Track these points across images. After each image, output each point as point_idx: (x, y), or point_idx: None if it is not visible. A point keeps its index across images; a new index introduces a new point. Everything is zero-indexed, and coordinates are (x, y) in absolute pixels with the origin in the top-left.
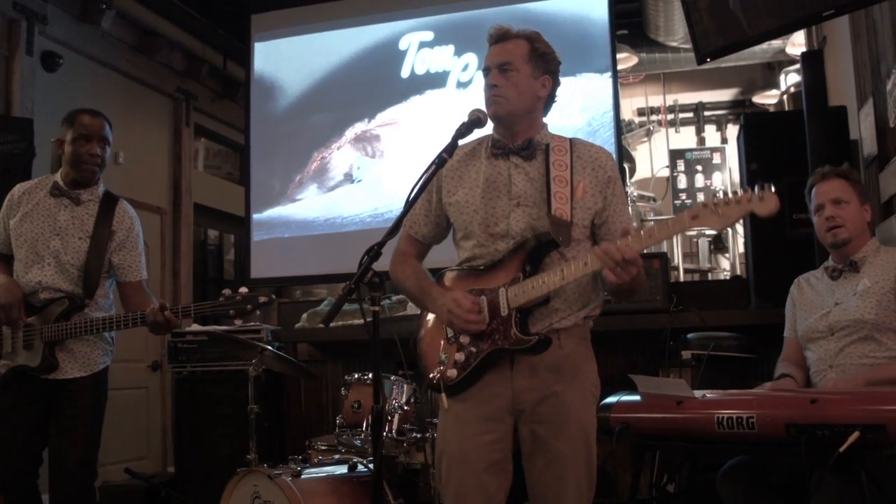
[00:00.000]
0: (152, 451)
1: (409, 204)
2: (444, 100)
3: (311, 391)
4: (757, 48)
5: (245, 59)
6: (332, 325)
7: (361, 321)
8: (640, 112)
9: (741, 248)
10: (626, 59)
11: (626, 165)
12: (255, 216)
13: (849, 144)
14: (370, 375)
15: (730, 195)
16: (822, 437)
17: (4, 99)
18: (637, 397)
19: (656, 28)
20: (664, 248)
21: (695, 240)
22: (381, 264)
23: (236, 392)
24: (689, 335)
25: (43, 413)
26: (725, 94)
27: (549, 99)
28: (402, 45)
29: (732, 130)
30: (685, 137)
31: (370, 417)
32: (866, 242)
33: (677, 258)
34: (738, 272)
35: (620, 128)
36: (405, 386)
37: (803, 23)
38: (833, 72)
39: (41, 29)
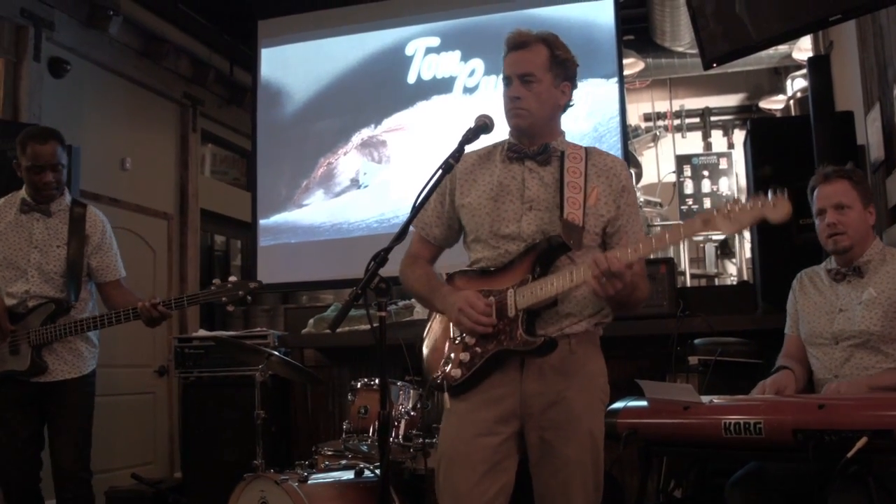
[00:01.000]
0: (159, 456)
1: (416, 209)
2: (451, 105)
3: (317, 397)
4: (763, 53)
5: (252, 64)
6: (338, 330)
7: (368, 326)
8: (647, 117)
9: (748, 254)
10: (633, 65)
11: (632, 171)
12: (262, 222)
13: (856, 149)
14: (377, 381)
15: (741, 201)
16: (830, 443)
17: (12, 104)
18: (644, 403)
19: (663, 33)
20: (671, 252)
21: (701, 245)
22: (388, 270)
23: (243, 397)
24: (696, 340)
25: (38, 416)
26: (732, 100)
27: (566, 104)
28: (408, 51)
29: (739, 136)
30: (692, 143)
31: (377, 423)
32: (870, 245)
33: (684, 263)
34: (745, 277)
35: (627, 133)
36: (412, 391)
37: (810, 28)
38: (840, 77)
39: (48, 35)
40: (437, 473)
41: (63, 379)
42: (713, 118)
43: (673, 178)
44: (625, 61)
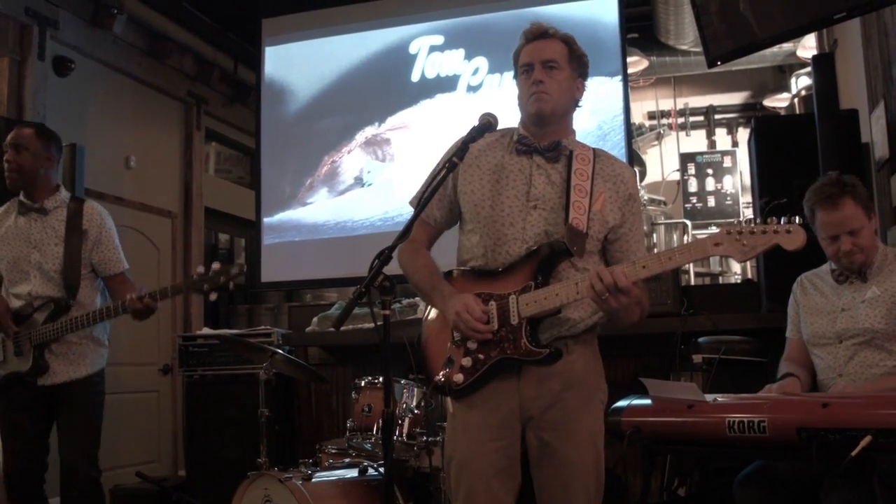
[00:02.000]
0: (163, 454)
1: (420, 208)
2: (455, 103)
3: (321, 395)
4: (768, 51)
5: (256, 63)
6: (342, 328)
7: (372, 325)
8: (651, 115)
9: None
10: (637, 63)
11: (636, 169)
12: (266, 220)
13: (860, 148)
14: (381, 379)
15: (754, 225)
16: (834, 442)
17: (16, 103)
18: (648, 401)
19: (667, 31)
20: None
21: None
22: (392, 268)
23: (247, 395)
24: (700, 339)
25: (45, 419)
26: (736, 98)
27: (578, 102)
28: (412, 49)
29: (743, 134)
30: (696, 141)
31: (381, 421)
32: (876, 251)
33: None
34: (750, 276)
35: (631, 131)
36: (416, 390)
37: (814, 26)
38: (844, 75)
39: (53, 34)
40: (448, 478)
41: (68, 380)
42: (717, 116)
43: (677, 176)
44: (629, 59)
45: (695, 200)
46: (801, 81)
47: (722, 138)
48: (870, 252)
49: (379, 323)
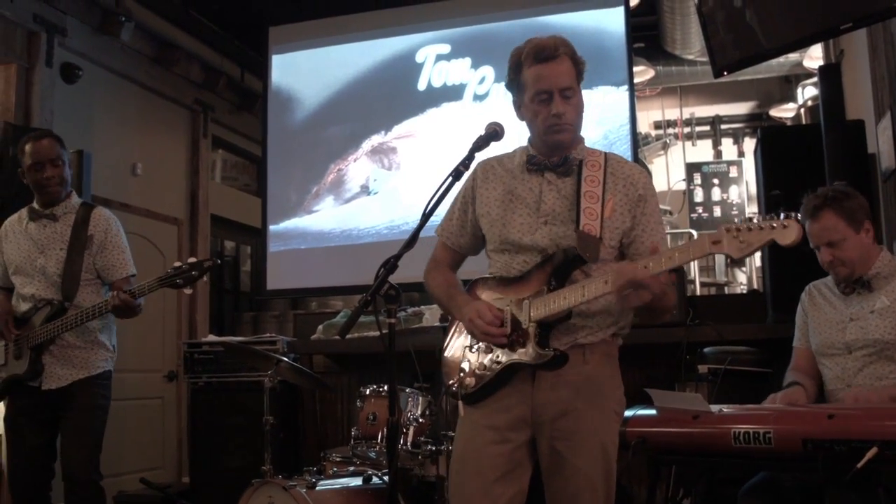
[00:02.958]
0: (167, 461)
1: (426, 216)
2: (461, 112)
3: (326, 403)
4: (774, 61)
5: (262, 71)
6: (347, 336)
7: (377, 333)
8: (657, 125)
9: (758, 262)
10: (643, 73)
11: None
12: (272, 227)
13: (866, 158)
14: (386, 387)
15: (752, 221)
16: (840, 453)
17: (24, 110)
18: (653, 411)
19: (673, 41)
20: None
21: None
22: (398, 277)
23: (252, 403)
24: (706, 349)
25: (51, 425)
26: (742, 108)
27: None
28: (418, 58)
29: (749, 144)
30: (702, 151)
31: (385, 429)
32: (875, 259)
33: (694, 272)
34: (755, 286)
35: (637, 141)
36: (420, 398)
37: (820, 36)
38: (850, 85)
39: (61, 41)
40: (449, 478)
41: (68, 383)
42: (723, 126)
43: (683, 186)
44: (635, 69)
45: (701, 210)
46: (808, 92)
47: (728, 148)
48: (860, 263)
49: (384, 331)
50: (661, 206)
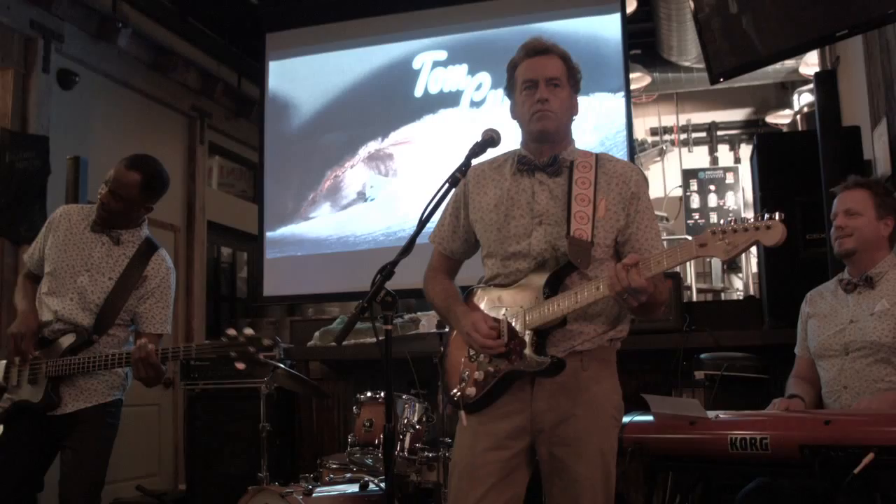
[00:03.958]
0: (164, 467)
1: (422, 223)
2: (458, 119)
3: (322, 409)
4: (770, 68)
5: (259, 77)
6: (344, 343)
7: (374, 340)
8: (653, 132)
9: (755, 268)
10: (640, 79)
11: None
12: (269, 234)
13: (862, 164)
14: (382, 394)
15: (736, 223)
16: (837, 459)
17: (20, 116)
18: (650, 417)
19: (669, 48)
20: (677, 267)
21: (708, 259)
22: (395, 283)
23: (248, 410)
24: (703, 355)
25: (44, 449)
26: (738, 114)
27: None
28: (415, 65)
29: (745, 150)
30: (698, 157)
31: (382, 436)
32: (883, 258)
33: (690, 278)
34: (752, 292)
35: (633, 147)
36: (417, 405)
37: (817, 43)
38: (846, 92)
39: (57, 47)
40: (448, 485)
41: (76, 409)
42: (720, 133)
43: (679, 192)
44: (632, 76)
45: (697, 216)
46: (804, 98)
47: (724, 154)
48: (866, 247)
49: (381, 338)
50: (658, 213)
